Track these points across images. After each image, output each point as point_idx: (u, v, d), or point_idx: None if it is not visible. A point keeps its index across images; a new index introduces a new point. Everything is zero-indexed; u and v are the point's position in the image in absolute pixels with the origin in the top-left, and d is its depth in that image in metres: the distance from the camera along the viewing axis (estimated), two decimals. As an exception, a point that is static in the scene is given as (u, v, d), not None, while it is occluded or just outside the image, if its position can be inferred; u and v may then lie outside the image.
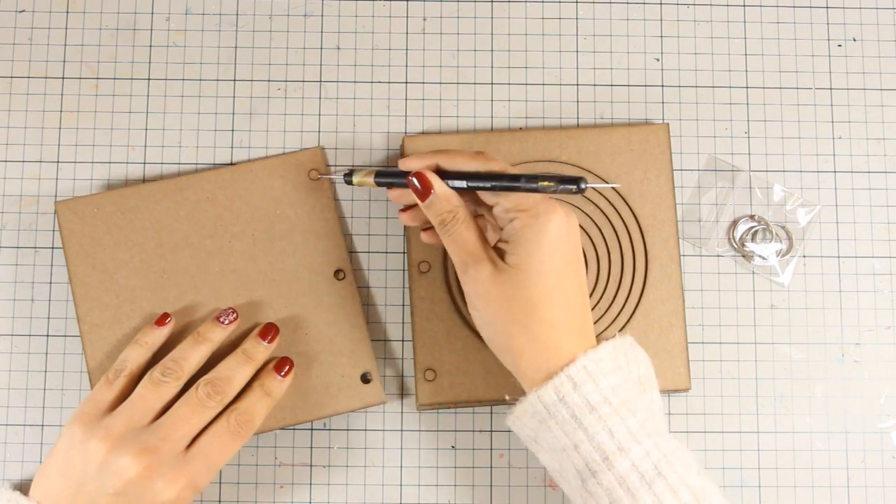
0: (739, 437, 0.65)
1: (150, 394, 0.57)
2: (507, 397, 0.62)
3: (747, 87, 0.69)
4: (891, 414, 0.66)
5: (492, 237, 0.59)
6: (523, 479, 0.65)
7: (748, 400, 0.66)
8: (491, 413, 0.65)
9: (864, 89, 0.69)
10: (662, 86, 0.69)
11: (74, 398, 0.65)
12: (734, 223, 0.67)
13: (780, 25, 0.70)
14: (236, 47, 0.69)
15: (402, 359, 0.66)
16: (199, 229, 0.64)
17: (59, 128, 0.67)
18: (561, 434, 0.53)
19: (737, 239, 0.67)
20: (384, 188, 0.61)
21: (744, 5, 0.70)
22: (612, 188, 0.65)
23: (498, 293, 0.54)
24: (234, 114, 0.68)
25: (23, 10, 0.69)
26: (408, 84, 0.68)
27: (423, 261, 0.65)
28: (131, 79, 0.68)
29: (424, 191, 0.56)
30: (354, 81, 0.68)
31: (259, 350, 0.61)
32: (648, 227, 0.65)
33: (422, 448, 0.65)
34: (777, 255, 0.67)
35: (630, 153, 0.66)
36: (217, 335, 0.61)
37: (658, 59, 0.69)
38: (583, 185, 0.53)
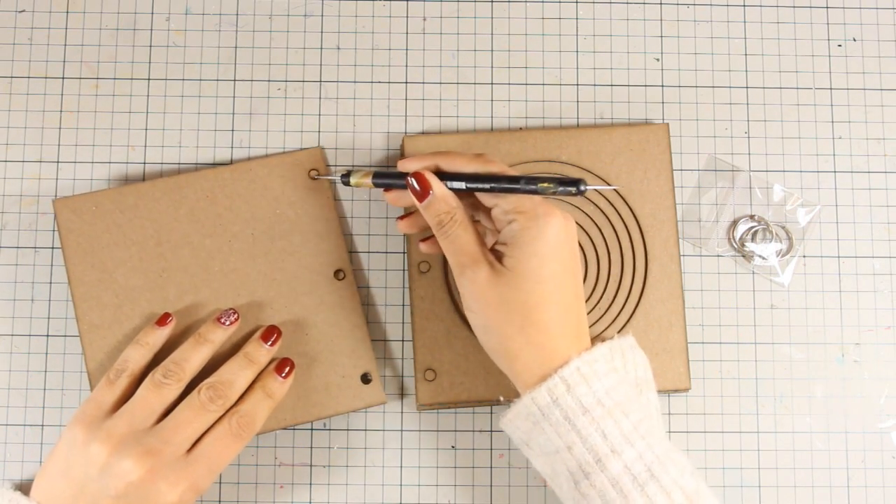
0: (739, 437, 0.65)
1: (152, 396, 0.57)
2: (500, 399, 0.63)
3: (747, 87, 0.69)
4: (891, 414, 0.66)
5: (489, 241, 0.59)
6: (523, 479, 0.65)
7: (748, 400, 0.66)
8: (491, 413, 0.65)
9: (864, 89, 0.69)
10: (662, 86, 0.69)
11: (74, 398, 0.65)
12: (734, 223, 0.67)
13: (780, 25, 0.70)
14: (236, 47, 0.69)
15: (402, 359, 0.66)
16: (199, 228, 0.64)
17: (59, 128, 0.67)
18: (554, 436, 0.53)
19: (737, 239, 0.67)
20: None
21: (744, 5, 0.70)
22: (613, 189, 0.65)
23: (494, 296, 0.54)
24: (234, 114, 0.68)
25: (23, 10, 0.69)
26: (408, 84, 0.68)
27: (423, 261, 0.65)
28: (131, 79, 0.68)
29: (423, 191, 0.56)
30: (354, 81, 0.68)
31: (261, 353, 0.61)
32: (648, 227, 0.65)
33: (422, 448, 0.65)
34: (777, 255, 0.67)
35: (630, 153, 0.66)
36: (218, 336, 0.61)
37: (658, 59, 0.69)
38: (583, 188, 0.53)
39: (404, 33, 0.69)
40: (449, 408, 0.65)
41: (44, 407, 0.65)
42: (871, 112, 0.69)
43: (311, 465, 0.65)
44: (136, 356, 0.59)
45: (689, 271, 0.67)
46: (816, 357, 0.66)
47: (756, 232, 0.67)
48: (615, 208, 0.65)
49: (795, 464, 0.65)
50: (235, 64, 0.68)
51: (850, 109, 0.69)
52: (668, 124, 0.67)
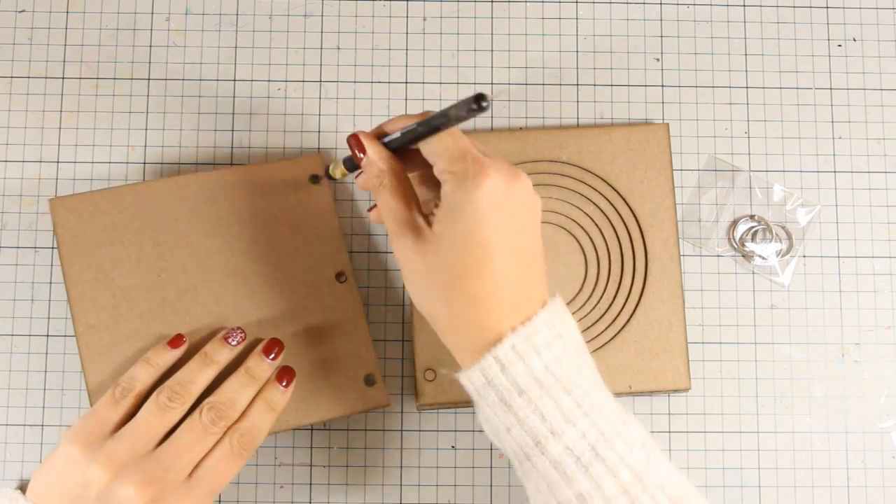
0: (739, 437, 0.65)
1: (156, 419, 0.55)
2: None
3: (747, 87, 0.69)
4: (891, 414, 0.66)
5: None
6: (523, 479, 0.65)
7: (748, 400, 0.66)
8: (491, 413, 0.65)
9: (864, 89, 0.69)
10: (662, 86, 0.69)
11: (74, 398, 0.65)
12: (734, 223, 0.67)
13: (780, 25, 0.70)
14: (236, 47, 0.69)
15: (403, 359, 0.66)
16: (199, 229, 0.64)
17: (59, 128, 0.67)
18: (493, 417, 0.50)
19: (737, 239, 0.67)
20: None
21: (744, 5, 0.70)
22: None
23: (421, 264, 0.50)
24: (234, 114, 0.68)
25: (23, 10, 0.69)
26: (408, 84, 0.68)
27: (423, 261, 0.64)
28: (131, 79, 0.68)
29: (360, 153, 0.53)
30: (354, 81, 0.68)
31: (263, 368, 0.59)
32: (648, 227, 0.65)
33: (422, 448, 0.65)
34: (777, 255, 0.67)
35: (630, 153, 0.66)
36: (224, 356, 0.59)
37: (658, 59, 0.69)
38: (484, 104, 0.46)
39: (404, 33, 0.69)
40: (449, 408, 0.65)
41: (44, 407, 0.65)
42: (871, 112, 0.69)
43: (311, 465, 0.65)
44: (144, 376, 0.58)
45: (689, 271, 0.67)
46: (816, 357, 0.66)
47: (756, 232, 0.67)
48: (615, 208, 0.65)
49: (795, 464, 0.65)
50: (235, 64, 0.68)
51: (850, 109, 0.69)
52: (668, 124, 0.67)
